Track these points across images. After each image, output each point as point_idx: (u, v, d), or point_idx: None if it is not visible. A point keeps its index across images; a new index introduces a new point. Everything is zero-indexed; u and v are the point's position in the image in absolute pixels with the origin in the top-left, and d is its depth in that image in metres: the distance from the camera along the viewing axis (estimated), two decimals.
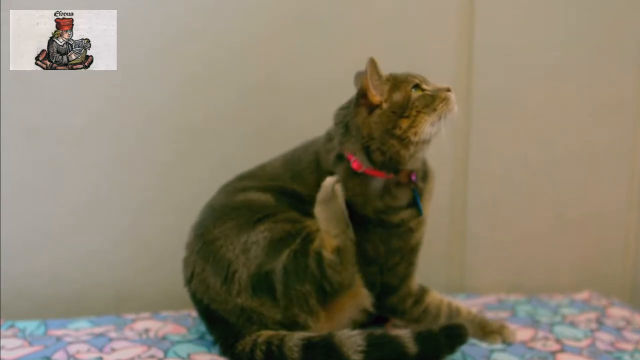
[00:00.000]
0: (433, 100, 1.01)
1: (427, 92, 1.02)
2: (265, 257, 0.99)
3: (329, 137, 1.08)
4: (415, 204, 1.06)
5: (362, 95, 1.02)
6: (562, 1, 1.48)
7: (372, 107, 1.01)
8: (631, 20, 1.50)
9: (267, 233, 1.00)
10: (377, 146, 1.01)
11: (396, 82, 1.02)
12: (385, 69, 1.03)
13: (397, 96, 1.01)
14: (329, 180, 1.02)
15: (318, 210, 1.03)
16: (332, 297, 1.01)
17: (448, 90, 1.03)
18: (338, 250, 1.00)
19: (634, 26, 1.51)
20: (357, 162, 1.03)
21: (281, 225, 1.02)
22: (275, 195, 1.07)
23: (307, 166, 1.09)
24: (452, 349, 0.97)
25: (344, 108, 1.06)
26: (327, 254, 0.99)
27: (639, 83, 1.52)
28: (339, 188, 1.02)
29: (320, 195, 1.02)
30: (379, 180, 1.04)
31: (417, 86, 1.02)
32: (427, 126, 1.00)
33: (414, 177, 1.06)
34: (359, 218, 1.04)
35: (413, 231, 1.08)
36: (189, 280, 1.07)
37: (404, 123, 1.00)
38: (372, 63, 1.00)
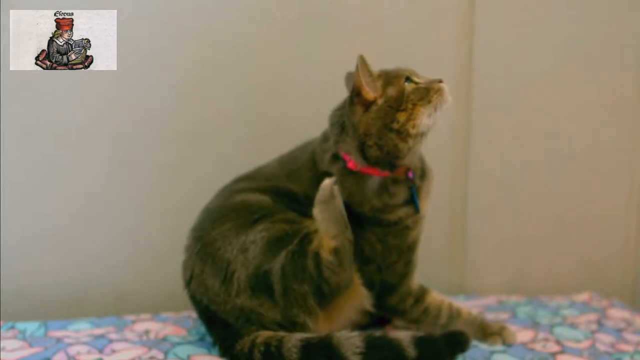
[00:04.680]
0: (427, 92, 1.01)
1: (420, 84, 1.03)
2: (263, 257, 0.99)
3: (325, 137, 1.09)
4: (412, 201, 1.06)
5: (355, 93, 1.02)
6: (562, 2, 1.48)
7: (367, 104, 1.01)
8: (631, 22, 1.50)
9: (265, 233, 1.00)
10: (375, 141, 1.01)
11: (388, 77, 1.03)
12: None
13: (392, 90, 1.01)
14: (327, 182, 1.02)
15: (317, 211, 1.02)
16: (330, 297, 1.01)
17: (440, 81, 1.03)
18: (336, 251, 0.99)
19: (634, 28, 1.50)
20: (352, 161, 1.04)
21: (279, 225, 1.01)
22: (272, 195, 1.07)
23: (303, 165, 1.09)
24: (452, 356, 0.97)
25: (339, 109, 1.07)
26: (325, 255, 0.99)
27: None
28: (337, 189, 1.02)
29: (319, 196, 1.02)
30: (375, 178, 1.04)
31: (408, 79, 1.02)
32: (424, 118, 1.00)
33: (411, 175, 1.06)
34: (356, 217, 1.04)
35: (410, 229, 1.07)
36: (188, 282, 1.07)
37: (402, 116, 1.00)
38: (362, 60, 1.00)
